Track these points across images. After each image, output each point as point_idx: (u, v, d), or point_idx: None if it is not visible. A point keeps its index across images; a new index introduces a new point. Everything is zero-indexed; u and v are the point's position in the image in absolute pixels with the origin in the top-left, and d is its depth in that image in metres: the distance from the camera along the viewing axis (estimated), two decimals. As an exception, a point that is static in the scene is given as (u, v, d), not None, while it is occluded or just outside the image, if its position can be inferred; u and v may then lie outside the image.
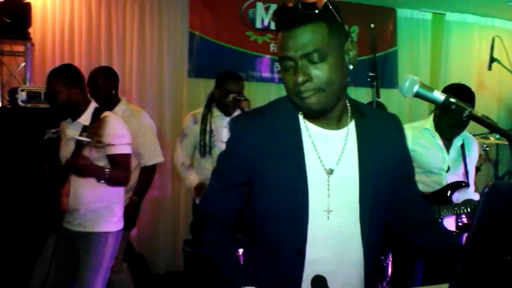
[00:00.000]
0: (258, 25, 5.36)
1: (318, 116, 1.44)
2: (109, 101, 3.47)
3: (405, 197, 1.58)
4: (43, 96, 3.87)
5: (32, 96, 3.88)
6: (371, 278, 1.53)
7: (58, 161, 3.04)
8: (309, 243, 1.43)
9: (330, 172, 1.45)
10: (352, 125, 1.50)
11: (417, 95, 1.43)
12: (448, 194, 2.86)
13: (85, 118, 2.87)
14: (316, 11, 1.31)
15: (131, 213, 3.43)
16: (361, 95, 5.52)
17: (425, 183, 2.88)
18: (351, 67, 1.42)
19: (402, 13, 5.95)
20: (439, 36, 6.15)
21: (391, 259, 2.90)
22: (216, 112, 3.59)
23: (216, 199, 1.56)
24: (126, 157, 2.90)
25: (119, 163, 2.85)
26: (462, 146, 2.95)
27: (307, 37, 1.33)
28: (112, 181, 2.86)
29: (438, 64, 6.14)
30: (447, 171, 2.91)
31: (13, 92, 3.89)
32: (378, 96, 3.19)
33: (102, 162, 2.83)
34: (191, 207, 3.87)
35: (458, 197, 2.88)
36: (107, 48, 4.89)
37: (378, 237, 1.53)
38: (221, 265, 1.45)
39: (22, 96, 3.80)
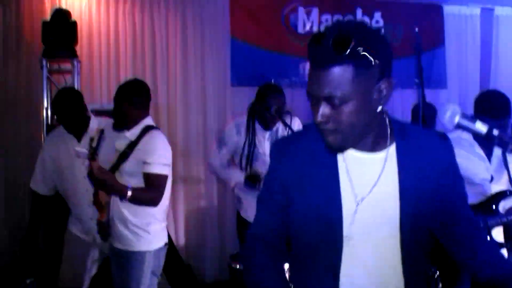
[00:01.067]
0: (300, 29, 5.30)
1: (338, 152, 1.40)
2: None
3: (457, 221, 1.48)
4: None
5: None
6: None
7: None
8: (344, 268, 1.40)
9: (359, 200, 1.40)
10: (392, 148, 1.42)
11: (459, 126, 1.39)
12: (494, 205, 2.73)
13: (133, 133, 2.90)
14: (345, 53, 1.23)
15: None
16: (408, 97, 5.39)
17: (471, 194, 2.76)
18: (379, 108, 1.34)
19: (449, 9, 5.75)
20: (488, 32, 5.90)
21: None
22: (257, 124, 3.54)
23: (265, 224, 1.54)
24: (159, 178, 2.83)
25: (151, 182, 2.82)
26: (503, 153, 2.81)
27: (330, 81, 1.27)
28: (139, 201, 2.83)
29: (488, 62, 5.89)
30: (491, 180, 2.78)
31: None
32: (424, 104, 3.09)
33: (137, 179, 2.83)
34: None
35: (504, 205, 2.74)
36: (151, 60, 4.96)
37: (421, 266, 1.47)
38: None
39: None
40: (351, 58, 1.24)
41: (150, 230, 2.91)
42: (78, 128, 3.12)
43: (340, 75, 1.26)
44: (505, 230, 2.75)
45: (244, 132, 3.51)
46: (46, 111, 4.34)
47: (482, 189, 2.77)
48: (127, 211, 2.87)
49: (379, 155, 1.41)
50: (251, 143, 3.49)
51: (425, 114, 3.81)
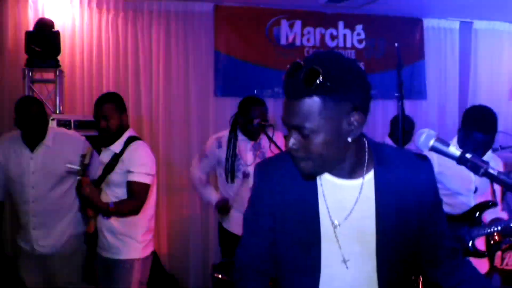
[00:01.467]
0: (283, 42, 5.37)
1: (309, 179, 1.45)
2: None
3: (434, 245, 1.53)
4: (73, 125, 3.99)
5: (62, 124, 3.99)
6: None
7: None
8: None
9: (337, 225, 1.44)
10: (370, 175, 1.45)
11: (433, 150, 1.43)
12: (477, 215, 2.79)
13: (118, 145, 2.97)
14: (313, 87, 1.27)
15: None
16: (389, 108, 5.48)
17: (452, 205, 2.83)
18: (349, 139, 1.36)
19: (429, 22, 5.86)
20: (467, 45, 6.03)
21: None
22: (240, 136, 3.60)
23: (252, 247, 1.57)
24: (140, 186, 2.90)
25: (134, 191, 2.88)
26: None
27: (299, 112, 1.31)
28: (122, 213, 2.90)
29: (466, 74, 6.01)
30: (475, 191, 2.84)
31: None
32: (403, 116, 3.17)
33: (125, 189, 2.90)
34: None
35: (486, 216, 2.81)
36: (135, 71, 4.98)
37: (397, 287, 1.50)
38: None
39: (53, 125, 3.87)
40: (319, 92, 1.28)
41: (139, 239, 2.98)
42: (37, 138, 3.09)
43: (308, 107, 1.30)
44: (487, 240, 2.82)
45: (225, 145, 3.56)
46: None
47: (466, 199, 2.83)
48: (116, 221, 2.94)
49: (356, 182, 1.44)
50: (233, 155, 3.54)
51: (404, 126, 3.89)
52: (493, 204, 2.82)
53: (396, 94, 3.14)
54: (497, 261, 3.29)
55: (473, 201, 2.83)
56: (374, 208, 1.43)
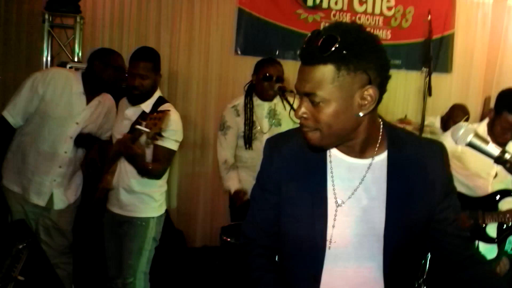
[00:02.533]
0: (310, 3, 5.22)
1: (316, 151, 1.42)
2: None
3: (444, 233, 1.48)
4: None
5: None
6: None
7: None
8: (325, 271, 1.42)
9: (340, 203, 1.41)
10: (383, 156, 1.42)
11: (470, 145, 1.38)
12: (495, 201, 2.74)
13: (148, 105, 2.90)
14: (328, 54, 1.24)
15: None
16: (412, 79, 5.36)
17: (469, 187, 2.78)
18: (361, 114, 1.32)
19: (463, -7, 5.65)
20: (499, 20, 5.81)
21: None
22: (256, 101, 3.54)
23: (257, 222, 1.57)
24: (169, 152, 2.87)
25: (161, 156, 2.84)
26: None
27: (311, 78, 1.29)
28: (150, 174, 2.87)
29: (495, 51, 5.82)
30: (495, 176, 2.77)
31: (62, 66, 3.92)
32: (429, 93, 3.09)
33: (149, 150, 2.86)
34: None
35: (503, 204, 2.75)
36: (156, 24, 4.89)
37: (403, 273, 1.47)
38: None
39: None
40: (334, 60, 1.25)
41: (156, 197, 2.98)
42: (99, 92, 3.08)
43: (321, 74, 1.27)
44: (499, 227, 2.76)
45: (242, 113, 3.51)
46: (46, 65, 4.29)
47: (484, 184, 2.77)
48: (134, 180, 2.90)
49: (365, 162, 1.41)
50: (250, 121, 3.48)
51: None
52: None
53: (424, 69, 3.06)
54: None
55: (491, 186, 2.77)
56: (384, 190, 1.39)
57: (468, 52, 5.70)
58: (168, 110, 2.66)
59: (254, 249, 1.55)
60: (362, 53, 1.26)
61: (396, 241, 1.39)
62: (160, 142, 2.79)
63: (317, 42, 1.26)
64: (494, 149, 1.37)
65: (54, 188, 3.10)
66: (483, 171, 2.77)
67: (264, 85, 3.43)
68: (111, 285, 3.11)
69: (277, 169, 1.47)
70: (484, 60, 5.78)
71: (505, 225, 2.75)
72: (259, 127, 3.52)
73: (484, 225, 2.69)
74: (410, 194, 1.39)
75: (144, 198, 2.94)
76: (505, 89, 2.78)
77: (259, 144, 3.50)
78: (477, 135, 1.39)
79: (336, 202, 1.41)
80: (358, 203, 1.40)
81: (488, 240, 2.71)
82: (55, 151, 3.03)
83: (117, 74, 3.04)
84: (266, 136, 3.49)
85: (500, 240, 2.84)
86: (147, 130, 2.56)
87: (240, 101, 3.58)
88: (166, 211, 3.20)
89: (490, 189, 2.78)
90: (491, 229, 2.76)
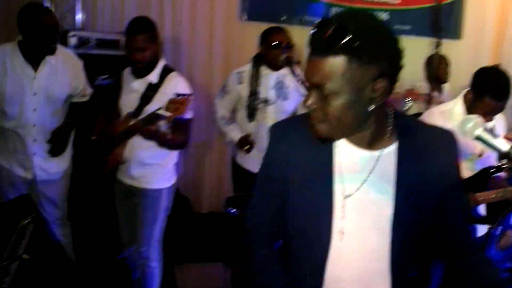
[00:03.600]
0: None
1: (324, 142, 1.38)
2: None
3: (449, 223, 1.46)
4: (93, 43, 3.86)
5: (83, 42, 3.84)
6: None
7: (112, 108, 3.09)
8: (330, 262, 1.40)
9: (348, 195, 1.38)
10: (392, 147, 1.38)
11: (478, 139, 1.35)
12: (482, 180, 2.69)
13: (154, 76, 2.86)
14: (339, 45, 1.19)
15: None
16: (421, 46, 5.24)
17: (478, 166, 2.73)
18: (372, 107, 1.28)
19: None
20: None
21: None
22: (264, 70, 3.49)
23: (262, 209, 1.54)
24: (188, 122, 2.87)
25: (180, 127, 2.84)
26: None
27: (321, 70, 1.24)
28: (172, 146, 2.90)
29: (507, 16, 5.65)
30: (479, 156, 2.72)
31: (64, 35, 3.83)
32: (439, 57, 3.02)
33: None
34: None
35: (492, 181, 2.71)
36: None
37: (410, 265, 1.46)
38: (272, 284, 1.43)
39: (72, 41, 3.77)
40: (345, 51, 1.20)
41: (167, 168, 3.00)
42: (42, 54, 2.94)
43: (331, 66, 1.23)
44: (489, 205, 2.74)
45: (247, 81, 3.46)
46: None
47: (469, 165, 2.73)
48: (146, 153, 2.91)
49: (374, 153, 1.38)
50: (254, 92, 3.44)
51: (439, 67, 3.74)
52: (499, 169, 2.70)
53: (434, 36, 2.98)
54: None
55: (476, 166, 2.72)
56: (393, 182, 1.37)
57: (479, 18, 5.54)
58: (190, 95, 2.64)
59: (257, 238, 1.54)
60: (375, 44, 1.22)
61: (404, 234, 1.37)
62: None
63: (326, 33, 1.21)
64: (504, 144, 1.33)
65: (37, 161, 3.09)
66: (465, 153, 2.70)
67: (273, 53, 3.37)
68: (125, 252, 3.17)
69: (283, 157, 1.44)
70: (495, 27, 5.62)
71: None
72: (264, 98, 3.47)
73: (475, 206, 2.67)
74: (420, 186, 1.36)
75: (157, 169, 2.95)
76: (485, 69, 2.68)
77: (263, 116, 3.47)
78: (486, 129, 1.35)
79: (344, 193, 1.38)
80: (367, 195, 1.37)
81: (480, 220, 2.69)
82: (24, 126, 3.00)
83: (51, 35, 2.91)
84: (271, 108, 3.46)
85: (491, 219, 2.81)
86: (168, 114, 2.56)
87: (246, 68, 3.53)
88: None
89: (476, 169, 2.72)
90: (481, 208, 2.74)
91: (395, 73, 1.30)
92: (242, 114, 3.56)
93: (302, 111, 1.81)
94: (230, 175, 3.94)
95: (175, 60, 4.77)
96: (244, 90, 3.49)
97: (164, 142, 2.80)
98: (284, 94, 3.50)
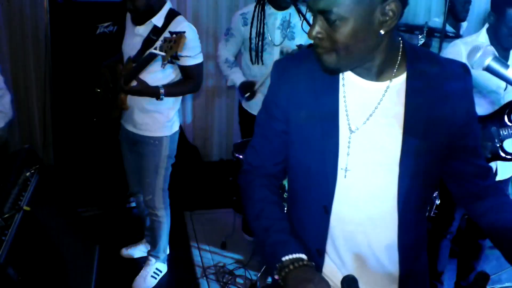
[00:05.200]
0: None
1: (331, 74, 1.28)
2: None
3: (462, 162, 1.38)
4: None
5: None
6: (407, 247, 1.41)
7: (115, 55, 3.05)
8: (336, 200, 1.35)
9: (354, 129, 1.31)
10: (401, 79, 1.29)
11: (488, 70, 1.25)
12: (507, 115, 2.57)
13: (158, 19, 2.78)
14: None
15: None
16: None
17: (481, 105, 2.60)
18: (382, 32, 1.18)
19: None
20: None
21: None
22: (268, 10, 3.34)
23: (263, 148, 1.48)
24: (198, 67, 2.83)
25: (191, 74, 2.82)
26: None
27: None
28: (177, 94, 2.91)
29: None
30: (505, 89, 2.59)
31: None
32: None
33: (173, 67, 2.81)
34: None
35: None
36: None
37: (417, 203, 1.38)
38: (269, 227, 1.35)
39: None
40: None
41: (169, 116, 2.96)
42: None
43: None
44: None
45: (251, 22, 3.33)
46: None
47: (496, 98, 2.61)
48: (145, 100, 2.87)
49: (382, 85, 1.29)
50: (260, 33, 3.31)
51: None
52: None
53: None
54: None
55: (503, 100, 2.60)
56: (402, 115, 1.28)
57: None
58: (183, 32, 2.56)
59: (256, 178, 1.47)
60: None
61: (412, 170, 1.29)
62: (187, 61, 2.76)
63: None
64: None
65: None
66: (493, 85, 2.59)
67: None
68: (133, 201, 3.19)
69: (286, 95, 1.37)
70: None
71: None
72: (270, 39, 3.35)
73: (502, 142, 2.58)
74: (430, 119, 1.28)
75: (158, 117, 2.92)
76: None
77: (269, 57, 3.37)
78: (496, 58, 1.25)
79: (350, 128, 1.31)
80: (374, 129, 1.30)
81: (507, 158, 2.61)
82: None
83: None
84: (277, 49, 3.35)
85: None
86: (162, 53, 2.51)
87: (250, 8, 3.39)
88: (180, 127, 3.19)
89: (502, 102, 2.61)
90: (509, 145, 2.64)
91: None
92: (246, 57, 3.45)
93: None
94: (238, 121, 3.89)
95: (179, 6, 4.64)
96: (248, 32, 3.36)
97: (157, 96, 2.76)
98: (290, 34, 3.37)
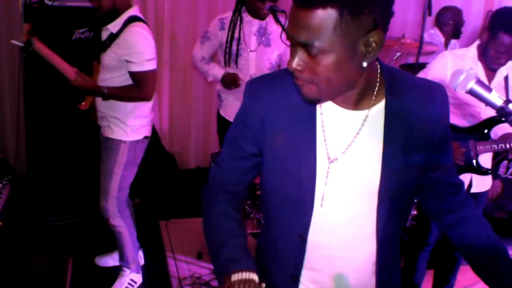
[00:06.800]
0: None
1: (312, 104, 1.25)
2: None
3: (437, 181, 1.39)
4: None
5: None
6: (385, 264, 1.41)
7: (90, 62, 3.04)
8: (313, 228, 1.33)
9: (333, 160, 1.28)
10: (380, 106, 1.26)
11: (471, 93, 1.25)
12: (486, 130, 2.62)
13: (115, 25, 2.76)
14: None
15: None
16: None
17: (461, 116, 2.65)
18: (365, 64, 1.14)
19: None
20: None
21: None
22: (246, 17, 3.37)
23: (228, 168, 1.44)
24: (146, 75, 2.76)
25: (138, 81, 2.78)
26: (506, 78, 2.64)
27: (309, 25, 1.07)
28: (124, 99, 2.84)
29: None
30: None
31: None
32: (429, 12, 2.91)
33: (121, 71, 2.79)
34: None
35: (496, 131, 2.63)
36: None
37: (395, 229, 1.39)
38: (225, 241, 1.32)
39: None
40: (335, 2, 1.04)
41: (126, 122, 2.91)
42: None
43: (321, 20, 1.06)
44: (494, 157, 2.68)
45: (228, 27, 3.34)
46: None
47: (476, 112, 2.65)
48: (101, 103, 2.88)
49: (361, 113, 1.26)
50: (235, 38, 3.33)
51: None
52: (505, 120, 2.62)
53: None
54: (501, 170, 3.19)
55: (483, 114, 2.64)
56: (380, 143, 1.26)
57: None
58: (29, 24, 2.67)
59: (219, 193, 1.44)
60: None
61: (391, 195, 1.28)
62: (131, 68, 2.73)
63: None
64: (497, 98, 1.25)
65: None
66: (474, 99, 2.63)
67: (257, 4, 3.24)
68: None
69: (259, 118, 1.32)
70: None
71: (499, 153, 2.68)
72: (245, 45, 3.37)
73: (476, 156, 2.62)
74: (408, 145, 1.26)
75: (114, 121, 2.90)
76: (502, 8, 2.57)
77: (244, 62, 3.39)
78: (479, 82, 1.26)
79: (329, 158, 1.28)
80: (353, 158, 1.27)
81: (481, 171, 2.65)
82: None
83: None
84: (253, 55, 3.38)
85: (493, 166, 2.78)
86: (20, 43, 2.61)
87: (229, 14, 3.41)
88: (156, 136, 3.15)
89: (483, 117, 2.65)
90: (484, 160, 2.69)
91: (387, 21, 1.15)
92: (221, 61, 3.47)
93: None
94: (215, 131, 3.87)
95: (157, 12, 4.61)
96: (225, 36, 3.38)
97: (100, 95, 2.79)
98: (266, 40, 3.39)
